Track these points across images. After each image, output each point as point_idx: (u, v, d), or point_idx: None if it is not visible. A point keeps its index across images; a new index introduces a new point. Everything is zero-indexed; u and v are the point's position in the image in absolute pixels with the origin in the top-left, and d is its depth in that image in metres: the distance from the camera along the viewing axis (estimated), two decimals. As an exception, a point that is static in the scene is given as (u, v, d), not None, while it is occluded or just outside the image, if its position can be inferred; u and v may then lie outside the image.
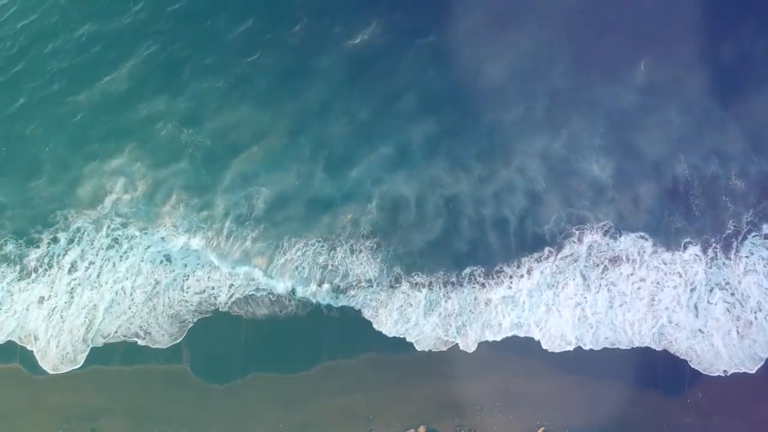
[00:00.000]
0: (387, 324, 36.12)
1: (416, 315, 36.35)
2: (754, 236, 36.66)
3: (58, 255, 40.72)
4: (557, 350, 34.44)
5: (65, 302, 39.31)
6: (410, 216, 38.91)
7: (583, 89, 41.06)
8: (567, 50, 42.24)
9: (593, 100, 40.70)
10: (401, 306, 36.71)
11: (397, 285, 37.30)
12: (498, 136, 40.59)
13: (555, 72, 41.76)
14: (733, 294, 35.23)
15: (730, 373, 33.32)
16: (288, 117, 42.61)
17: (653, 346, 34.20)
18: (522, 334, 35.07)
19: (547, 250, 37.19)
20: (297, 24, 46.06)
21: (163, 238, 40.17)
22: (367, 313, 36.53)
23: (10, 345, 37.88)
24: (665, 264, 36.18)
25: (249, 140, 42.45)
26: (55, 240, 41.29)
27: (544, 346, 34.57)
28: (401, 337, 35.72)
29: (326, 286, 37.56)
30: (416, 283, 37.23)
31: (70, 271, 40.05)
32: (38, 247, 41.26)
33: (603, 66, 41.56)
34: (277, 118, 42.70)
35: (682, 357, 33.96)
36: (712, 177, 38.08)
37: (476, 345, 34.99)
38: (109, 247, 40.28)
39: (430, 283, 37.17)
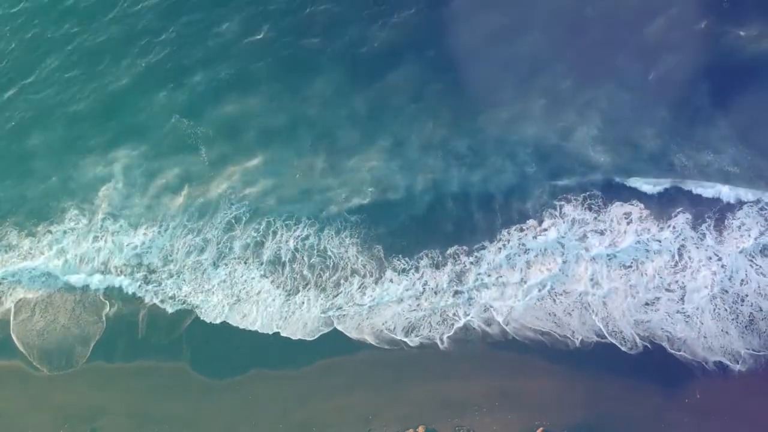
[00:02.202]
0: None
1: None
2: (749, 206, 35.98)
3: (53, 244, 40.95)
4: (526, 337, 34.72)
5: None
6: (399, 198, 39.02)
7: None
8: (566, 51, 41.15)
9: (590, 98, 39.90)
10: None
11: (382, 273, 37.20)
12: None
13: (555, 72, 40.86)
14: (723, 265, 34.85)
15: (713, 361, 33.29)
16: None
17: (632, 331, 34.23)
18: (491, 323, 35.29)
19: (530, 222, 37.13)
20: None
21: (146, 234, 40.45)
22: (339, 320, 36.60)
23: (11, 342, 38.13)
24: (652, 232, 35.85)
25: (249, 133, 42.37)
26: (50, 232, 41.31)
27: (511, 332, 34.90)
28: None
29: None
30: (401, 270, 37.08)
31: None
32: (35, 237, 41.37)
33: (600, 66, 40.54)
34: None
35: (658, 341, 33.90)
36: (706, 162, 37.29)
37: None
38: (95, 240, 40.72)
39: (416, 267, 36.98)
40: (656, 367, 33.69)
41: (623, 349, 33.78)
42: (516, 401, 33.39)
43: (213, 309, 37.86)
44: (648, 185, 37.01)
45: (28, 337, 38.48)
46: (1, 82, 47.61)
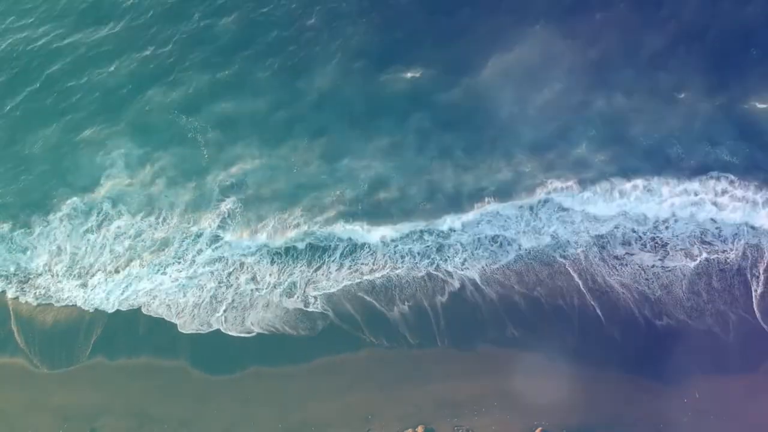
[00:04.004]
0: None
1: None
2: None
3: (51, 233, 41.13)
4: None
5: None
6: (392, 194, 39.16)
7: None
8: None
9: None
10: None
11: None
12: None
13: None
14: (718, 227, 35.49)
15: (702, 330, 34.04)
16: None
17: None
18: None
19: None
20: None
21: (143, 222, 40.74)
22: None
23: (12, 339, 38.21)
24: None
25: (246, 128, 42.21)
26: (46, 222, 41.26)
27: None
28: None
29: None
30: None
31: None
32: (30, 228, 41.58)
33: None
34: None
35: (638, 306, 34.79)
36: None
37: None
38: (88, 231, 40.67)
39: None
40: (656, 367, 33.75)
41: (603, 317, 34.58)
42: (515, 401, 33.42)
43: (191, 319, 37.96)
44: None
45: (30, 334, 38.47)
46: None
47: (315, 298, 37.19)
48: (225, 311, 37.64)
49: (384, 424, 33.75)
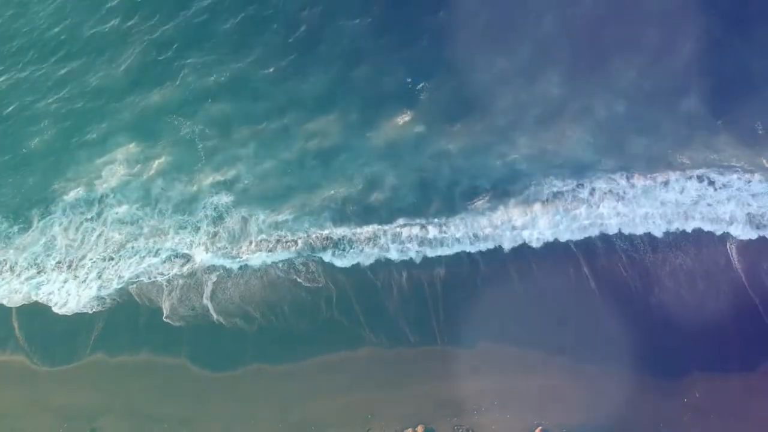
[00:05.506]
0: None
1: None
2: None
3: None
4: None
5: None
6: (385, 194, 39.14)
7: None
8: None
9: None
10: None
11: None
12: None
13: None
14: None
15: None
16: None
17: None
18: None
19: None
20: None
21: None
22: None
23: (13, 335, 38.25)
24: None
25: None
26: (46, 214, 41.63)
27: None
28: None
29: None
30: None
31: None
32: (30, 224, 41.85)
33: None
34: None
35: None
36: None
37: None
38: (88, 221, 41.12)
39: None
40: (656, 366, 33.65)
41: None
42: (515, 401, 33.42)
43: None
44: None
45: (30, 331, 38.52)
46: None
47: (304, 264, 37.44)
48: (214, 283, 37.82)
49: (384, 424, 33.77)
